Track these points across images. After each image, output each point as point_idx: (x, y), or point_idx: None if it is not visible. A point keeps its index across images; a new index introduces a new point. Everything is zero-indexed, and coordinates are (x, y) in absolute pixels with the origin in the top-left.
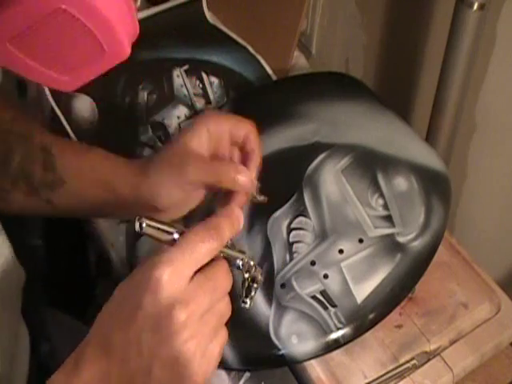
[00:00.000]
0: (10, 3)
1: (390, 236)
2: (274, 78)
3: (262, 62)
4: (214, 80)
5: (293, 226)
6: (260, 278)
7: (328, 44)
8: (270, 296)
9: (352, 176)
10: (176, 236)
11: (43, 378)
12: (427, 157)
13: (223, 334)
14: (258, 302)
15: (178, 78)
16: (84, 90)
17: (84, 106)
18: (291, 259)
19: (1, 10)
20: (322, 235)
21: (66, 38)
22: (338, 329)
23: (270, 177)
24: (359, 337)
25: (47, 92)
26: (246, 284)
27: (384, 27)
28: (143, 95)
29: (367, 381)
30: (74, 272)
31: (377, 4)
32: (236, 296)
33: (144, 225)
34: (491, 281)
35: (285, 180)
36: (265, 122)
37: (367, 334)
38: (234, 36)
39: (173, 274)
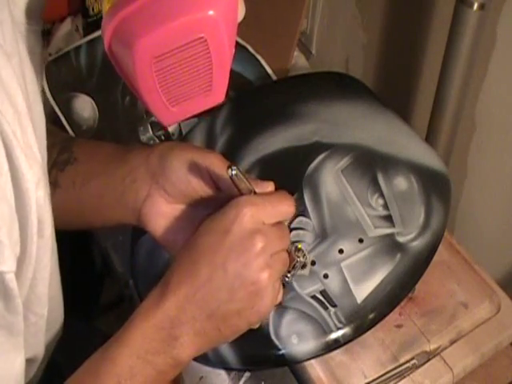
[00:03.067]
0: (166, 20)
1: (390, 236)
2: (274, 77)
3: (262, 61)
4: None
5: (293, 225)
6: (308, 260)
7: (328, 44)
8: None
9: (352, 176)
10: (258, 190)
11: (52, 378)
12: (427, 157)
13: (280, 284)
14: None
15: None
16: (84, 90)
17: (84, 106)
18: None
19: (156, 26)
20: (322, 235)
21: (191, 68)
22: (338, 329)
23: (269, 177)
24: (359, 337)
25: (47, 92)
26: (297, 266)
27: (384, 27)
28: None
29: (367, 381)
30: (79, 272)
31: (377, 4)
32: None
33: (234, 172)
34: (491, 281)
35: (285, 180)
36: (265, 122)
37: (367, 334)
38: None
39: (256, 213)
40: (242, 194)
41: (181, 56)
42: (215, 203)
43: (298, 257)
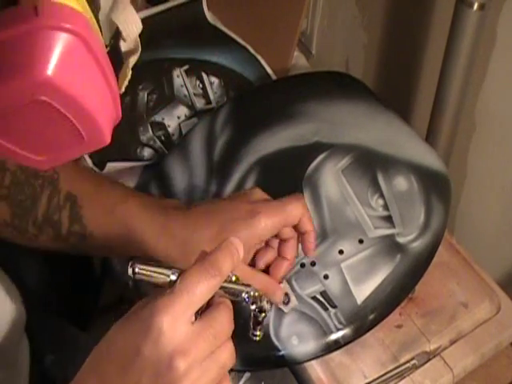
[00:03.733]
0: None
1: (390, 236)
2: (274, 77)
3: (262, 62)
4: (214, 80)
5: None
6: (267, 306)
7: (328, 44)
8: None
9: (352, 176)
10: (173, 278)
11: None
12: (427, 157)
13: (223, 378)
14: None
15: (178, 78)
16: None
17: None
18: None
19: None
20: (322, 235)
21: (44, 124)
22: (338, 329)
23: (269, 177)
24: (359, 337)
25: None
26: (252, 316)
27: (384, 27)
28: (143, 95)
29: (367, 381)
30: (78, 274)
31: (377, 4)
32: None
33: (137, 269)
34: (491, 281)
35: (285, 180)
36: (265, 122)
37: (367, 334)
38: (234, 36)
39: (173, 321)
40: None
41: (21, 118)
42: None
43: (261, 308)
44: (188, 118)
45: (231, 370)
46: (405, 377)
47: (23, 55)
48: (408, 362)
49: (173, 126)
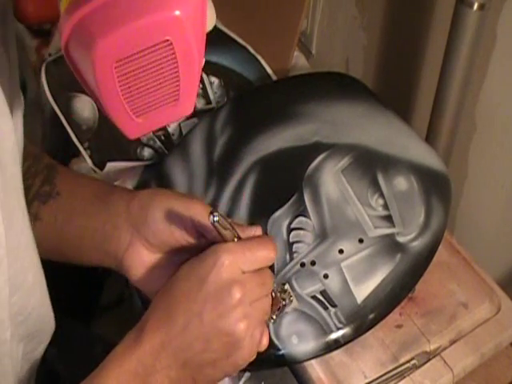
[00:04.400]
0: (128, 20)
1: (390, 236)
2: (274, 77)
3: (262, 62)
4: (214, 80)
5: (293, 226)
6: (293, 304)
7: (328, 44)
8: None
9: (352, 176)
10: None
11: (49, 382)
12: (427, 157)
13: (264, 329)
14: None
15: None
16: (84, 90)
17: (84, 106)
18: (291, 259)
19: (118, 26)
20: (322, 235)
21: (157, 75)
22: (338, 329)
23: (270, 177)
24: (359, 337)
25: (47, 92)
26: (280, 305)
27: (384, 27)
28: None
29: (367, 381)
30: (78, 272)
31: (377, 4)
32: None
33: (216, 218)
34: (491, 281)
35: (285, 180)
36: (265, 122)
37: (367, 334)
38: (234, 36)
39: (234, 262)
40: (225, 241)
41: (145, 60)
42: (198, 249)
43: (284, 299)
44: (188, 118)
45: None
46: (405, 377)
47: None
48: (408, 362)
49: (173, 126)
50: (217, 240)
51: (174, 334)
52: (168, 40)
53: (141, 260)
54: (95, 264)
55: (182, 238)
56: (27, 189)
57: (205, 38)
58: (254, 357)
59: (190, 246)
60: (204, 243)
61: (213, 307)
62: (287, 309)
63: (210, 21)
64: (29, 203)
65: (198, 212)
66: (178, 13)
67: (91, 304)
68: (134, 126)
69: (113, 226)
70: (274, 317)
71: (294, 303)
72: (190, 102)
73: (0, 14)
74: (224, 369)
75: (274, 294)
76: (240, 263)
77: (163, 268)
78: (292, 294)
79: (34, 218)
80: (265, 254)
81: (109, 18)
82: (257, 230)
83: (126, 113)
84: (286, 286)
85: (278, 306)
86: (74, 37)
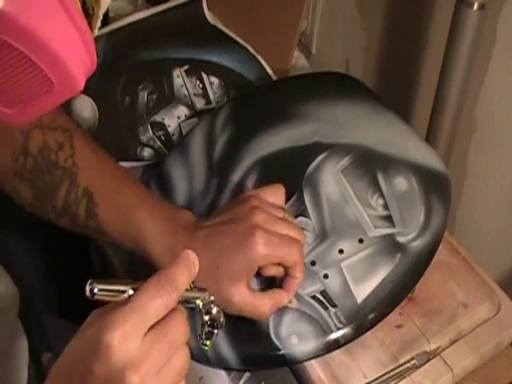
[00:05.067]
0: None
1: (390, 236)
2: (274, 78)
3: (262, 62)
4: (214, 80)
5: None
6: (222, 321)
7: (328, 44)
8: None
9: (352, 176)
10: (131, 292)
11: None
12: (427, 157)
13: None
14: None
15: (178, 78)
16: (84, 90)
17: (84, 106)
18: None
19: None
20: (322, 235)
21: (10, 69)
22: (338, 329)
23: (270, 177)
24: (359, 337)
25: None
26: (206, 328)
27: (384, 27)
28: (143, 95)
29: (367, 381)
30: (78, 272)
31: (377, 4)
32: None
33: (96, 290)
34: (491, 281)
35: (285, 180)
36: (265, 122)
37: (367, 334)
38: (234, 36)
39: (123, 338)
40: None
41: None
42: None
43: (211, 321)
44: (188, 117)
45: (231, 370)
46: (405, 377)
47: None
48: (408, 362)
49: (173, 126)
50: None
51: None
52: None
53: None
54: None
55: None
56: (75, 216)
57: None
58: None
59: None
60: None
61: None
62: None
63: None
64: (82, 228)
65: None
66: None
67: (90, 305)
68: (13, 116)
69: None
70: (208, 342)
71: (294, 303)
72: (72, 79)
73: None
74: None
75: (202, 318)
76: (132, 334)
77: None
78: (215, 307)
79: (89, 236)
80: (161, 303)
81: None
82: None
83: None
84: (211, 298)
85: (209, 333)
86: None
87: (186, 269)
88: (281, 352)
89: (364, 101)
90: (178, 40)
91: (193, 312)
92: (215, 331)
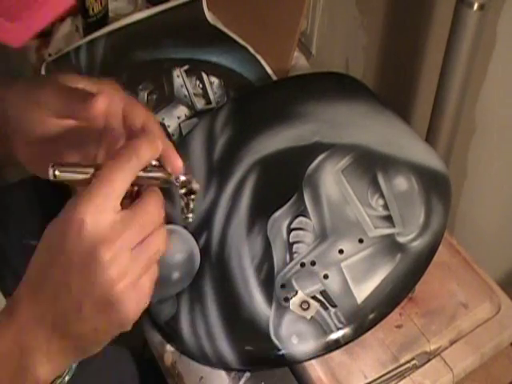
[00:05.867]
0: None
1: (390, 236)
2: (274, 78)
3: (262, 62)
4: (214, 80)
5: (293, 226)
6: (196, 186)
7: (328, 44)
8: (270, 296)
9: (352, 176)
10: (92, 171)
11: None
12: (427, 157)
13: (155, 269)
14: (258, 302)
15: (178, 78)
16: None
17: None
18: (291, 259)
19: None
20: (322, 235)
21: None
22: (338, 329)
23: (270, 177)
24: (359, 337)
25: None
26: (185, 199)
27: (384, 27)
28: (143, 95)
29: (367, 381)
30: None
31: (377, 4)
32: None
33: (57, 172)
34: (491, 281)
35: (285, 180)
36: (265, 122)
37: (367, 334)
38: (234, 36)
39: (94, 212)
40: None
41: None
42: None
43: (188, 191)
44: (188, 118)
45: (231, 370)
46: (405, 377)
47: None
48: (408, 362)
49: (173, 126)
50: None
51: (45, 306)
52: None
53: (28, 138)
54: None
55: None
56: None
57: None
58: (146, 306)
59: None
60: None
61: (79, 276)
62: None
63: None
64: None
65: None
66: None
67: None
68: (12, 32)
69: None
70: (190, 215)
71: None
72: None
73: None
74: (108, 331)
75: (179, 192)
76: (103, 207)
77: (50, 146)
78: (193, 181)
79: None
80: (126, 171)
81: None
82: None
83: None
84: (185, 177)
85: (188, 204)
86: None
87: (147, 140)
88: (281, 352)
89: (364, 101)
90: (177, 40)
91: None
92: (192, 197)
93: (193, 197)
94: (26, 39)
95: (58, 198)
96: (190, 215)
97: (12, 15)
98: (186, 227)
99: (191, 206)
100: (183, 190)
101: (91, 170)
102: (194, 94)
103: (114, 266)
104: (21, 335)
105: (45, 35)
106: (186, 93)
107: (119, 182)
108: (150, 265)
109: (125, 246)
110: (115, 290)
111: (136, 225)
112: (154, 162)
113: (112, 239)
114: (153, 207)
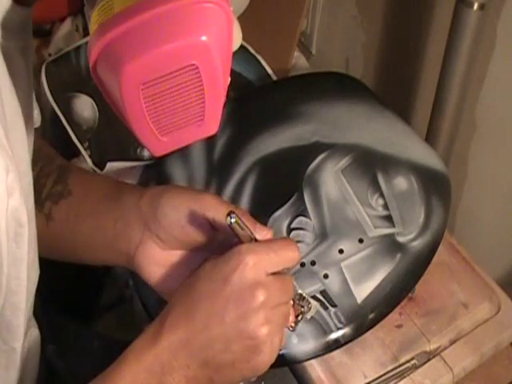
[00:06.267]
0: (156, 45)
1: (390, 236)
2: (274, 78)
3: (262, 62)
4: None
5: (293, 225)
6: (315, 306)
7: (328, 44)
8: None
9: (352, 176)
10: (256, 237)
11: (49, 378)
12: (427, 157)
13: (283, 335)
14: None
15: None
16: (84, 90)
17: (84, 106)
18: None
19: (145, 50)
20: (322, 235)
21: (182, 96)
22: (338, 329)
23: (270, 177)
24: (359, 337)
25: (47, 92)
26: (301, 316)
27: (384, 27)
28: None
29: (367, 381)
30: (78, 273)
31: (377, 4)
32: None
33: (233, 220)
34: (491, 281)
35: (285, 180)
36: (265, 122)
37: (367, 334)
38: None
39: (259, 263)
40: (241, 242)
41: (171, 83)
42: (212, 245)
43: (302, 306)
44: None
45: None
46: (405, 377)
47: (182, 23)
48: (408, 361)
49: None
50: (232, 239)
51: (194, 333)
52: (194, 64)
53: (153, 257)
54: (108, 263)
55: (195, 233)
56: (39, 189)
57: (230, 58)
58: (272, 362)
59: (204, 242)
60: (220, 240)
61: (235, 308)
62: (307, 316)
63: (237, 40)
64: (41, 203)
65: (211, 206)
66: (204, 38)
67: (91, 305)
68: (160, 144)
69: (124, 224)
70: (293, 325)
71: (313, 310)
72: (214, 121)
73: (22, 25)
74: (243, 372)
75: (292, 301)
76: (265, 264)
77: (179, 267)
78: (310, 300)
79: (47, 218)
80: (289, 256)
81: (136, 42)
82: (268, 233)
83: (152, 132)
84: (305, 294)
85: (296, 314)
86: (102, 59)
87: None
88: (281, 352)
89: (364, 101)
90: None
91: None
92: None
93: (304, 315)
94: (166, 151)
95: None
96: (293, 325)
97: (164, 130)
98: None
99: (300, 320)
100: (305, 308)
101: (250, 238)
102: None
103: (264, 310)
104: (163, 353)
105: (45, 35)
106: None
107: (284, 258)
108: (281, 327)
109: (273, 299)
110: (261, 332)
111: (282, 289)
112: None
113: (267, 287)
114: (291, 284)
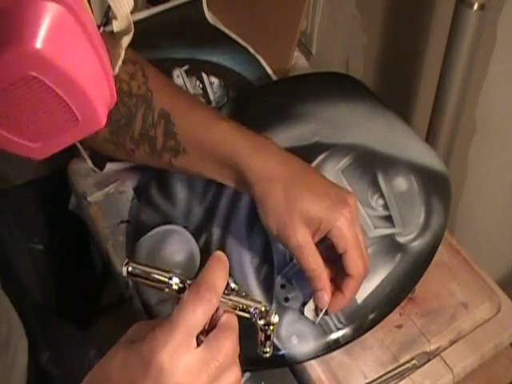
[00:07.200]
0: None
1: (390, 236)
2: (274, 78)
3: (262, 62)
4: (214, 80)
5: None
6: (274, 319)
7: (328, 44)
8: (270, 296)
9: (352, 176)
10: (176, 280)
11: None
12: (427, 157)
13: None
14: None
15: (178, 78)
16: None
17: None
18: (291, 259)
19: None
20: None
21: (37, 105)
22: (338, 329)
23: None
24: (359, 337)
25: None
26: (261, 331)
27: (384, 27)
28: None
29: (367, 381)
30: (78, 273)
31: (377, 4)
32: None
33: (130, 269)
34: (491, 281)
35: None
36: (265, 122)
37: (367, 334)
38: (234, 36)
39: (173, 355)
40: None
41: (15, 95)
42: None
43: (266, 324)
44: None
45: None
46: (405, 377)
47: (11, 28)
48: (408, 362)
49: None
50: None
51: None
52: (31, 75)
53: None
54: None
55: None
56: (152, 141)
57: (97, 33)
58: None
59: None
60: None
61: None
62: (317, 321)
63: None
64: (159, 154)
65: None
66: (39, 46)
67: (91, 305)
68: (35, 150)
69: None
70: (268, 349)
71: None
72: (96, 116)
73: None
74: None
75: (257, 324)
76: (180, 349)
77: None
78: (273, 310)
79: (168, 164)
80: (201, 314)
81: None
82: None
83: (19, 143)
84: (264, 307)
85: (266, 336)
86: None
87: (222, 270)
88: (281, 352)
89: (364, 101)
90: (177, 40)
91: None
92: (271, 328)
93: (272, 328)
94: (51, 153)
95: (63, 200)
96: (268, 349)
97: (37, 138)
98: (186, 227)
99: (271, 339)
100: (262, 322)
101: (172, 277)
102: (194, 94)
103: None
104: None
105: None
106: None
107: (197, 321)
108: None
109: (212, 374)
110: None
111: (212, 367)
112: (232, 285)
113: (190, 383)
114: (229, 344)
